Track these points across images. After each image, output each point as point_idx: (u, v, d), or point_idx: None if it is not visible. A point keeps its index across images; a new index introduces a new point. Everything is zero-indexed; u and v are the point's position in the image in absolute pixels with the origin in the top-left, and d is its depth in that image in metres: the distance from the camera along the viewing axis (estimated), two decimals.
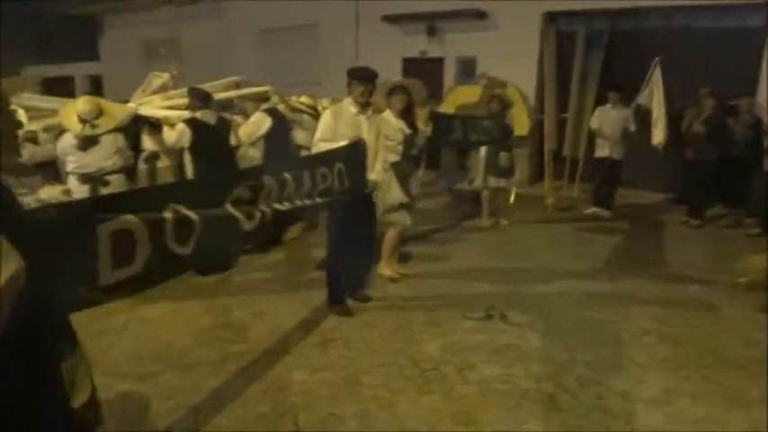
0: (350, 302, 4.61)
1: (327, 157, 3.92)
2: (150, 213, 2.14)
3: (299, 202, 3.38)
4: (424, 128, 5.79)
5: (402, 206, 5.11)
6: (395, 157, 4.94)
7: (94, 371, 3.54)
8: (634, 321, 4.37)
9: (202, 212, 2.41)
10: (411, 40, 10.90)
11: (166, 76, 6.57)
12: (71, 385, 1.85)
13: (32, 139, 4.98)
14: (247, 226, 2.78)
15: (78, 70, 18.45)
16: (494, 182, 7.39)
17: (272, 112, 6.29)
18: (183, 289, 5.12)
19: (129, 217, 2.02)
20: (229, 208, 2.68)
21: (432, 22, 10.67)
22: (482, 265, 5.84)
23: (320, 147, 4.30)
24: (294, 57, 12.70)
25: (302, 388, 3.39)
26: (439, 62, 10.96)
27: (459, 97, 10.24)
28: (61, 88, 16.29)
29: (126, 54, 16.42)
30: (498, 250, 6.40)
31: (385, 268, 5.27)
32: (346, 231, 4.42)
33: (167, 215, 2.22)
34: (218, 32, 14.40)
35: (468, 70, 10.79)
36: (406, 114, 5.03)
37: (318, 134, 4.42)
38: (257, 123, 6.15)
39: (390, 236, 5.23)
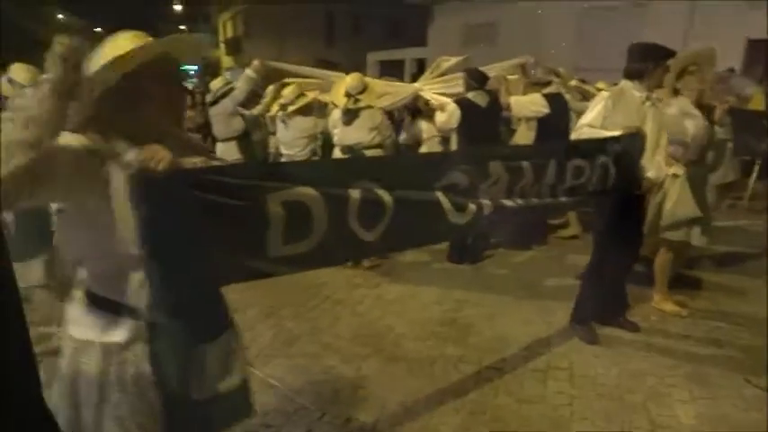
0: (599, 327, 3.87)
1: (588, 147, 3.21)
2: (334, 188, 1.88)
3: (534, 200, 2.81)
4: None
5: (694, 221, 4.04)
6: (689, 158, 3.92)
7: (316, 339, 3.71)
8: None
9: (400, 194, 2.07)
10: (761, 16, 8.71)
11: (454, 60, 6.50)
12: (222, 366, 1.76)
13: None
14: (456, 218, 2.32)
15: (409, 54, 20.24)
16: None
17: (552, 96, 5.69)
18: (431, 271, 5.11)
19: (307, 189, 1.80)
20: (437, 194, 2.27)
21: None
22: None
23: (583, 133, 3.59)
24: (614, 38, 11.43)
25: (498, 414, 2.92)
26: None
27: None
28: (394, 70, 18.14)
29: (449, 39, 17.27)
30: None
31: (663, 300, 4.26)
32: (611, 239, 3.68)
33: (353, 192, 1.94)
34: (536, 13, 13.97)
35: None
36: (701, 102, 3.94)
37: (587, 117, 3.62)
38: (533, 103, 5.66)
39: (669, 257, 4.20)
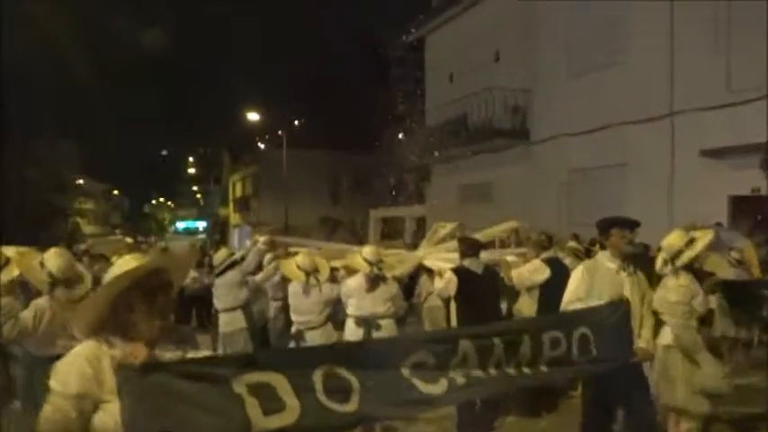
0: None
1: (564, 320, 3.36)
2: (295, 371, 2.12)
3: (511, 371, 2.89)
4: None
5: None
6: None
7: None
8: None
9: (366, 374, 2.30)
10: (740, 175, 9.21)
11: (450, 226, 6.83)
12: None
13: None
14: (430, 390, 2.50)
15: (409, 213, 21.09)
16: None
17: (552, 261, 5.89)
18: None
19: (269, 373, 2.04)
20: (405, 372, 2.46)
21: None
22: None
23: (573, 308, 3.73)
24: (601, 198, 12.01)
25: None
26: None
27: None
28: (391, 227, 18.83)
29: (447, 197, 18.08)
30: None
31: None
32: (610, 409, 3.78)
33: (316, 375, 2.16)
34: (527, 174, 14.80)
35: None
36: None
37: (569, 293, 3.87)
38: (534, 271, 5.83)
39: (692, 428, 4.09)
